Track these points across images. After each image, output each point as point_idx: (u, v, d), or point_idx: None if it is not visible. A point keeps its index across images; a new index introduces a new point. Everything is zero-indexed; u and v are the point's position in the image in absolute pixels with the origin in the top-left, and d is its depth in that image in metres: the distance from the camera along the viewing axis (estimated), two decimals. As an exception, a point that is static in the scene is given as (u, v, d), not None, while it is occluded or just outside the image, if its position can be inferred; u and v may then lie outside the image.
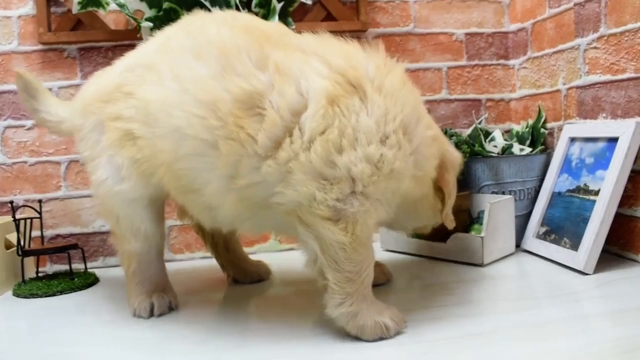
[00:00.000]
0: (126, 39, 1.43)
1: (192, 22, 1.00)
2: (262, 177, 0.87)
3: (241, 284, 1.25)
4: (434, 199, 1.05)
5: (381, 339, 0.87)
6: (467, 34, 1.63)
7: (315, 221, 0.85)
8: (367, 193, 0.85)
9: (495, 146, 1.44)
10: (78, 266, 1.42)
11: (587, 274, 1.14)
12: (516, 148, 1.44)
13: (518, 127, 1.56)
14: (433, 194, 1.04)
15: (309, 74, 0.87)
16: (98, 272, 1.40)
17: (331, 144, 0.83)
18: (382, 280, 1.17)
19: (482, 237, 1.26)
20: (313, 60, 0.88)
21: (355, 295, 0.87)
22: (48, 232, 1.46)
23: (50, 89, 1.44)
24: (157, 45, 1.01)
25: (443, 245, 1.32)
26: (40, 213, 1.39)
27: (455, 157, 1.06)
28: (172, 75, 0.93)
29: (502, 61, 1.66)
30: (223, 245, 1.25)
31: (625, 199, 1.21)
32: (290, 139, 0.85)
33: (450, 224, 1.09)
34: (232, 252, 1.26)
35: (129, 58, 1.05)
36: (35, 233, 1.40)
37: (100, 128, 1.03)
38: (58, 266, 1.46)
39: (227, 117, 0.86)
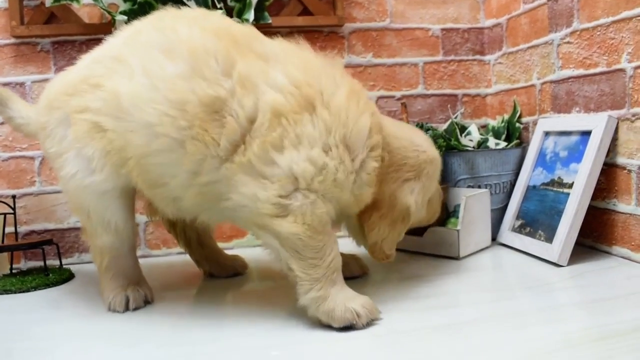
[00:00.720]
0: (100, 32, 1.41)
1: (162, 18, 0.99)
2: (220, 176, 0.90)
3: (218, 278, 1.25)
4: (359, 227, 1.06)
5: (352, 326, 0.87)
6: (443, 29, 1.64)
7: (266, 220, 0.88)
8: (312, 188, 0.87)
9: (471, 140, 1.45)
10: (53, 262, 1.41)
11: (561, 266, 1.16)
12: (492, 142, 1.45)
13: (494, 122, 1.58)
14: (357, 222, 1.05)
15: (262, 86, 0.89)
16: (73, 268, 1.38)
17: (269, 144, 0.87)
18: (359, 273, 1.17)
19: (457, 231, 1.27)
20: (274, 71, 0.91)
21: (323, 280, 0.88)
22: (22, 228, 1.43)
23: (23, 83, 1.42)
24: (125, 39, 1.00)
25: (419, 239, 1.33)
26: (14, 209, 1.37)
27: (400, 202, 1.03)
28: (143, 70, 0.93)
29: (477, 57, 1.67)
30: (196, 241, 1.25)
31: (599, 192, 1.23)
32: (243, 145, 0.88)
33: (379, 258, 1.07)
34: (206, 247, 1.26)
35: (96, 51, 1.04)
36: (9, 229, 1.38)
37: (66, 122, 1.01)
38: (32, 262, 1.44)
39: (193, 120, 0.89)
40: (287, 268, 0.90)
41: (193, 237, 1.25)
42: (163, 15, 1.00)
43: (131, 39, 0.98)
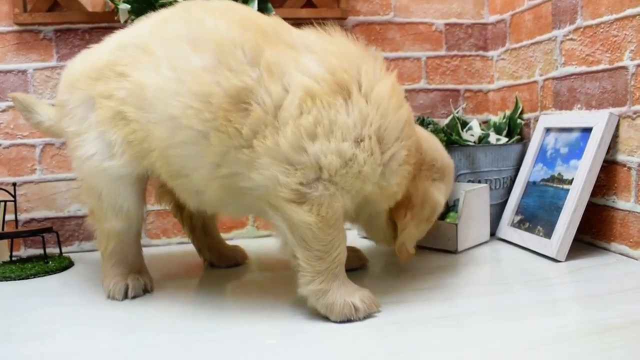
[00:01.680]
0: (103, 21, 1.41)
1: (189, 9, 0.98)
2: (241, 166, 0.89)
3: (217, 268, 1.25)
4: (387, 226, 1.06)
5: (349, 320, 0.88)
6: (446, 24, 1.64)
7: (281, 203, 0.87)
8: (333, 181, 0.86)
9: (472, 135, 1.45)
10: (53, 250, 1.41)
11: (559, 261, 1.16)
12: (492, 137, 1.45)
13: (495, 118, 1.58)
14: (386, 220, 1.05)
15: (292, 72, 0.88)
16: (73, 257, 1.39)
17: (303, 129, 0.85)
18: (358, 265, 1.18)
19: (456, 225, 1.27)
20: (304, 58, 0.89)
21: (326, 273, 0.88)
22: (22, 216, 1.44)
23: (25, 71, 1.42)
24: (152, 27, 0.99)
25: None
26: (14, 196, 1.37)
27: (431, 199, 1.04)
28: (169, 63, 0.93)
29: (480, 52, 1.67)
30: (201, 229, 1.25)
31: (598, 189, 1.23)
32: (265, 128, 0.87)
33: (403, 257, 1.07)
34: (210, 235, 1.26)
35: (121, 36, 1.04)
36: (10, 217, 1.39)
37: (89, 104, 1.02)
38: (32, 250, 1.44)
39: (218, 111, 0.88)
40: (291, 255, 0.91)
41: (198, 224, 1.25)
42: (189, 7, 0.99)
43: (157, 29, 0.98)
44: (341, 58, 0.90)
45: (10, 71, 1.42)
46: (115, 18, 1.35)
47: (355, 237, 1.48)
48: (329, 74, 0.87)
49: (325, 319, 0.89)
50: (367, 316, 0.89)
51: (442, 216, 1.34)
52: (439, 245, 1.31)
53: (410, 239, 1.05)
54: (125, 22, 1.30)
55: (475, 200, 1.31)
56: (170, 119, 0.91)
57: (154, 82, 0.93)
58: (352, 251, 1.18)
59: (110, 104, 0.98)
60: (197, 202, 1.01)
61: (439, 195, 1.06)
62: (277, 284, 1.11)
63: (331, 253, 0.89)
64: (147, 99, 0.94)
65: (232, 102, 0.88)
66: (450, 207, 1.36)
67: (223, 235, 1.33)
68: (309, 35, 0.94)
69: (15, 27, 1.42)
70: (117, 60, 0.99)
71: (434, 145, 1.11)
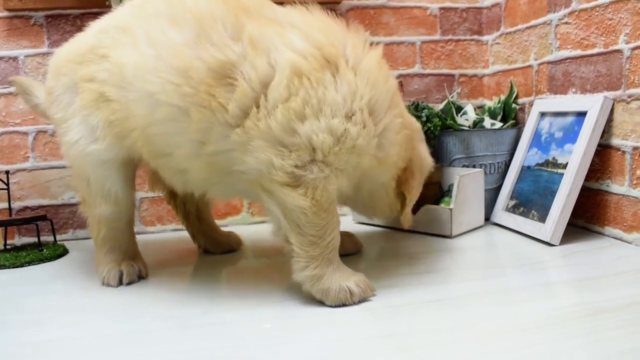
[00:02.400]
0: (95, 6, 1.40)
1: None
2: (230, 145, 0.88)
3: (212, 254, 1.25)
4: (394, 199, 1.06)
5: (344, 305, 0.88)
6: (441, 8, 1.63)
7: (275, 187, 0.86)
8: (327, 161, 0.86)
9: (467, 120, 1.45)
10: (47, 238, 1.41)
11: (553, 245, 1.16)
12: (487, 122, 1.45)
13: (490, 103, 1.58)
14: (393, 194, 1.05)
15: (280, 47, 0.87)
16: (67, 244, 1.38)
17: (292, 111, 0.84)
18: (353, 250, 1.18)
19: (450, 209, 1.27)
20: (290, 33, 0.89)
21: (320, 258, 0.88)
22: (16, 204, 1.43)
23: (16, 58, 1.41)
24: (133, 8, 0.99)
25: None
26: (7, 184, 1.37)
27: (426, 162, 1.08)
28: (148, 40, 0.92)
29: (475, 37, 1.66)
30: (195, 215, 1.25)
31: (593, 173, 1.23)
32: (256, 109, 0.86)
33: (408, 223, 1.10)
34: (204, 222, 1.26)
35: (104, 20, 1.04)
36: (3, 205, 1.38)
37: (73, 89, 1.02)
38: (27, 238, 1.44)
39: (199, 86, 0.87)
40: (285, 239, 0.90)
41: (192, 210, 1.25)
42: None
43: (138, 9, 0.98)
44: (326, 33, 0.90)
45: (1, 58, 1.41)
46: (107, 3, 1.34)
47: (350, 223, 1.48)
48: (315, 49, 0.87)
49: (321, 303, 0.89)
50: (362, 300, 0.89)
51: (437, 201, 1.35)
52: (434, 230, 1.31)
53: (412, 204, 1.07)
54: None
55: (470, 184, 1.31)
56: (149, 96, 0.90)
57: (133, 60, 0.93)
58: (347, 236, 1.18)
59: (92, 86, 0.99)
60: (183, 182, 1.01)
61: (428, 156, 1.09)
62: (272, 270, 1.11)
63: (325, 238, 0.88)
64: (126, 77, 0.93)
65: (215, 76, 0.87)
66: (445, 192, 1.36)
67: (217, 221, 1.32)
68: (291, 12, 0.94)
69: (6, 13, 1.40)
70: (99, 44, 0.99)
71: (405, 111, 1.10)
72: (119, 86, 0.95)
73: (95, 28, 1.04)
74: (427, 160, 1.09)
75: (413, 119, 1.10)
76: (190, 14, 0.91)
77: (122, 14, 1.01)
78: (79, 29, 1.11)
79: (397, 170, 1.01)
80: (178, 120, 0.90)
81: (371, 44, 0.96)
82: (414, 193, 1.05)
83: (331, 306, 0.88)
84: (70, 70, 1.03)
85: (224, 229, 1.32)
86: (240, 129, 0.87)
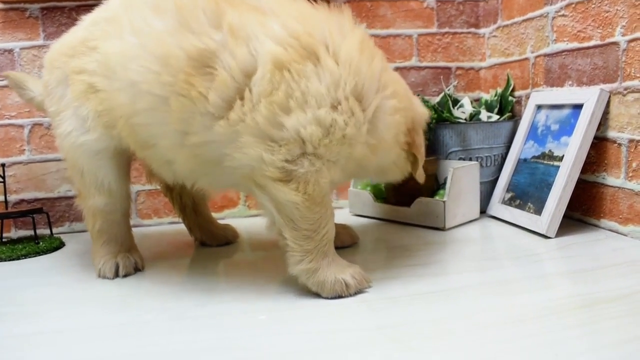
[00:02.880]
0: (90, -2, 1.40)
1: None
2: (214, 136, 0.87)
3: (209, 246, 1.25)
4: (404, 162, 1.06)
5: (340, 296, 0.88)
6: (438, 1, 1.62)
7: (267, 183, 0.86)
8: (318, 154, 0.85)
9: (464, 112, 1.45)
10: (43, 232, 1.41)
11: (549, 238, 1.17)
12: (484, 115, 1.45)
13: (487, 96, 1.57)
14: (404, 158, 1.05)
15: (260, 36, 0.86)
16: (64, 237, 1.38)
17: (276, 105, 0.83)
18: (349, 242, 1.18)
19: (444, 202, 1.27)
20: (270, 22, 0.88)
21: (315, 252, 0.88)
22: (12, 197, 1.43)
23: (11, 50, 1.41)
24: (121, 0, 0.99)
25: (407, 210, 1.34)
26: (3, 177, 1.37)
27: (423, 115, 1.08)
28: (132, 29, 0.92)
29: (472, 29, 1.66)
30: (191, 208, 1.25)
31: (589, 165, 1.23)
32: (241, 102, 0.85)
33: (422, 179, 1.11)
34: (200, 214, 1.26)
35: (95, 13, 1.05)
36: (-1, 197, 1.38)
37: (65, 82, 1.03)
38: (23, 232, 1.44)
39: (178, 74, 0.86)
40: (279, 234, 0.90)
41: (188, 203, 1.25)
42: None
43: (127, 1, 0.98)
44: (303, 21, 0.88)
45: (-4, 50, 1.40)
46: (102, -5, 1.33)
47: (347, 215, 1.48)
48: (293, 39, 0.86)
49: (316, 295, 0.89)
50: (358, 292, 0.90)
51: (432, 193, 1.35)
52: (427, 222, 1.31)
53: (423, 159, 1.08)
54: None
55: (465, 177, 1.31)
56: (131, 84, 0.91)
57: (117, 49, 0.93)
58: (343, 228, 1.18)
59: (82, 77, 0.99)
60: (171, 173, 1.00)
61: (423, 107, 1.10)
62: (268, 263, 1.11)
63: (319, 232, 0.88)
64: (111, 66, 0.94)
65: (195, 65, 0.86)
66: (441, 184, 1.36)
67: (214, 214, 1.32)
68: (271, 0, 0.93)
69: (1, 6, 1.40)
70: (89, 36, 1.00)
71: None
72: (106, 75, 0.95)
73: (87, 21, 1.05)
74: (422, 114, 1.08)
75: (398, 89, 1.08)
76: (172, 2, 0.90)
77: (112, 5, 1.01)
78: (75, 21, 1.11)
79: (402, 144, 1.01)
80: (159, 109, 0.89)
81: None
82: (422, 150, 1.06)
83: (327, 298, 0.88)
84: (63, 64, 1.04)
85: (221, 221, 1.32)
86: (224, 121, 0.86)
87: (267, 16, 0.88)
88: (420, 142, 1.05)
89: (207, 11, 0.88)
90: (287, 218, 0.87)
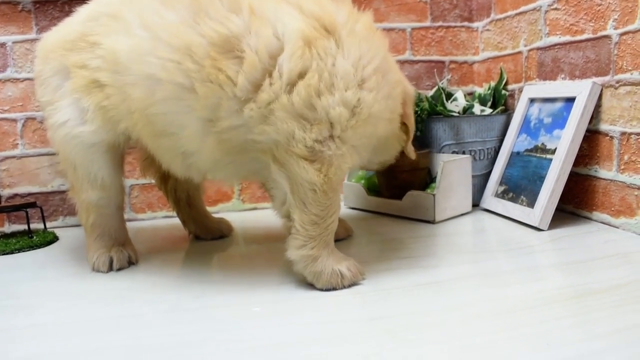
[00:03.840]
0: (83, -8, 1.39)
1: None
2: (243, 120, 0.87)
3: (203, 240, 1.26)
4: (400, 132, 1.08)
5: (335, 288, 0.89)
6: (431, -6, 1.63)
7: (291, 159, 0.86)
8: (344, 138, 0.87)
9: (457, 106, 1.45)
10: (37, 226, 1.40)
11: (542, 230, 1.18)
12: (477, 108, 1.45)
13: (480, 90, 1.58)
14: (400, 129, 1.07)
15: (284, 17, 0.87)
16: (58, 232, 1.38)
17: (312, 88, 0.84)
18: (344, 236, 1.18)
19: (434, 195, 1.28)
20: (287, 6, 0.89)
21: (318, 239, 0.89)
22: (6, 192, 1.43)
23: (4, 44, 1.40)
24: None
25: (399, 203, 1.34)
26: (-4, 171, 1.36)
27: (411, 90, 1.09)
28: (141, 24, 0.92)
29: (466, 23, 1.66)
30: (185, 201, 1.25)
31: (581, 158, 1.24)
32: (269, 81, 0.85)
33: (412, 154, 1.13)
34: (194, 208, 1.26)
35: (91, 7, 1.04)
36: (-8, 192, 1.38)
37: (63, 74, 1.02)
38: (16, 226, 1.43)
39: (203, 61, 0.86)
40: (286, 214, 0.91)
41: (183, 197, 1.25)
42: None
43: None
44: (319, 4, 0.90)
45: (-12, 44, 1.39)
46: (95, -11, 1.32)
47: (341, 208, 1.48)
48: (313, 20, 0.87)
49: (311, 287, 0.90)
50: (353, 284, 0.90)
51: (425, 186, 1.35)
52: (418, 215, 1.32)
53: (413, 131, 1.10)
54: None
55: (455, 171, 1.32)
56: (147, 77, 0.90)
57: (127, 44, 0.92)
58: (339, 222, 1.18)
59: (84, 73, 0.99)
60: (184, 166, 0.99)
61: (408, 84, 1.10)
62: (263, 256, 1.11)
63: (326, 219, 0.89)
64: (120, 62, 0.93)
65: (220, 50, 0.86)
66: (434, 177, 1.36)
67: (208, 208, 1.33)
68: None
69: (-7, -1, 1.39)
70: (89, 31, 0.99)
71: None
72: (115, 71, 0.94)
73: (83, 15, 1.03)
74: (410, 89, 1.08)
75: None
76: None
77: (111, 1, 1.00)
78: (67, 14, 1.10)
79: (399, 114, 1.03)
80: (182, 98, 0.89)
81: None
82: (412, 120, 1.07)
83: (321, 289, 0.89)
84: (60, 56, 1.02)
85: (215, 215, 1.32)
86: (253, 103, 0.86)
87: (279, 1, 0.89)
88: (411, 112, 1.08)
89: None
90: (299, 200, 0.88)
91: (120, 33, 0.94)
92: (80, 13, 1.05)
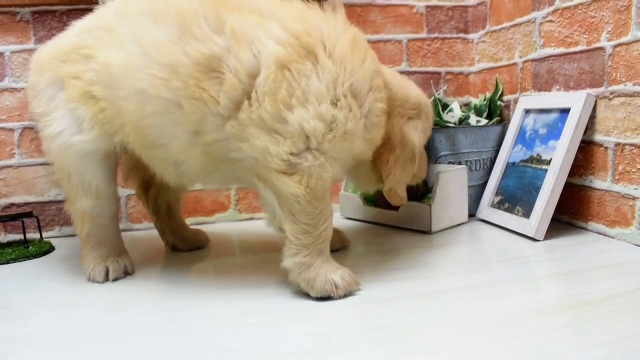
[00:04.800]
0: (82, 2, 1.40)
1: None
2: (225, 134, 0.90)
3: (180, 251, 1.26)
4: (372, 172, 1.09)
5: (329, 297, 0.89)
6: (427, 6, 1.64)
7: (271, 175, 0.88)
8: (322, 149, 0.88)
9: (453, 117, 1.46)
10: (33, 236, 1.40)
11: (537, 240, 1.18)
12: (473, 119, 1.46)
13: (476, 100, 1.59)
14: (370, 167, 1.08)
15: (263, 38, 0.88)
16: (54, 242, 1.38)
17: (280, 102, 0.86)
18: (340, 246, 1.18)
19: (430, 205, 1.28)
20: (270, 24, 0.90)
21: (311, 247, 0.90)
22: (2, 201, 1.42)
23: (2, 54, 1.40)
24: (116, 9, 1.01)
25: (395, 213, 1.35)
26: (-8, 181, 1.36)
27: (410, 139, 1.07)
28: (133, 39, 0.93)
29: (461, 35, 1.67)
30: (165, 211, 1.26)
31: (576, 169, 1.25)
32: (248, 102, 0.87)
33: (395, 201, 1.13)
34: (173, 218, 1.27)
35: (86, 21, 1.05)
36: (-12, 201, 1.37)
37: (57, 85, 1.03)
38: (12, 235, 1.43)
39: (188, 80, 0.88)
40: (279, 227, 0.91)
41: (163, 206, 1.26)
42: None
43: (121, 10, 0.99)
44: (303, 21, 0.91)
45: (-14, 54, 1.40)
46: (94, 0, 1.33)
47: (338, 219, 1.49)
48: (293, 38, 0.88)
49: (306, 297, 0.90)
50: (347, 294, 0.90)
51: (421, 197, 1.36)
52: (414, 226, 1.32)
53: (399, 183, 1.08)
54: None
55: (451, 181, 1.32)
56: (138, 92, 0.92)
57: (120, 59, 0.94)
58: (335, 232, 1.18)
59: (78, 84, 1.00)
60: (176, 174, 1.02)
61: (414, 134, 1.08)
62: (259, 267, 1.11)
63: (318, 227, 0.90)
64: (113, 76, 0.95)
65: (203, 70, 0.88)
66: (430, 188, 1.37)
67: (204, 219, 1.33)
68: (268, 1, 0.95)
69: (-9, 9, 1.39)
70: (82, 43, 1.01)
71: (405, 83, 1.13)
72: (107, 85, 0.96)
73: (78, 28, 1.05)
74: (408, 136, 1.07)
75: (415, 92, 1.12)
76: (172, 11, 0.92)
77: (105, 14, 1.02)
78: (66, 25, 1.11)
79: (375, 148, 1.03)
80: (170, 112, 0.91)
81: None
82: (390, 167, 1.06)
83: (316, 297, 0.89)
84: (54, 67, 1.04)
85: (212, 225, 1.32)
86: (234, 120, 0.88)
87: (266, 18, 0.91)
88: (390, 160, 1.07)
89: (209, 18, 0.90)
90: (287, 211, 0.89)
91: (114, 47, 0.96)
92: (75, 26, 1.06)
